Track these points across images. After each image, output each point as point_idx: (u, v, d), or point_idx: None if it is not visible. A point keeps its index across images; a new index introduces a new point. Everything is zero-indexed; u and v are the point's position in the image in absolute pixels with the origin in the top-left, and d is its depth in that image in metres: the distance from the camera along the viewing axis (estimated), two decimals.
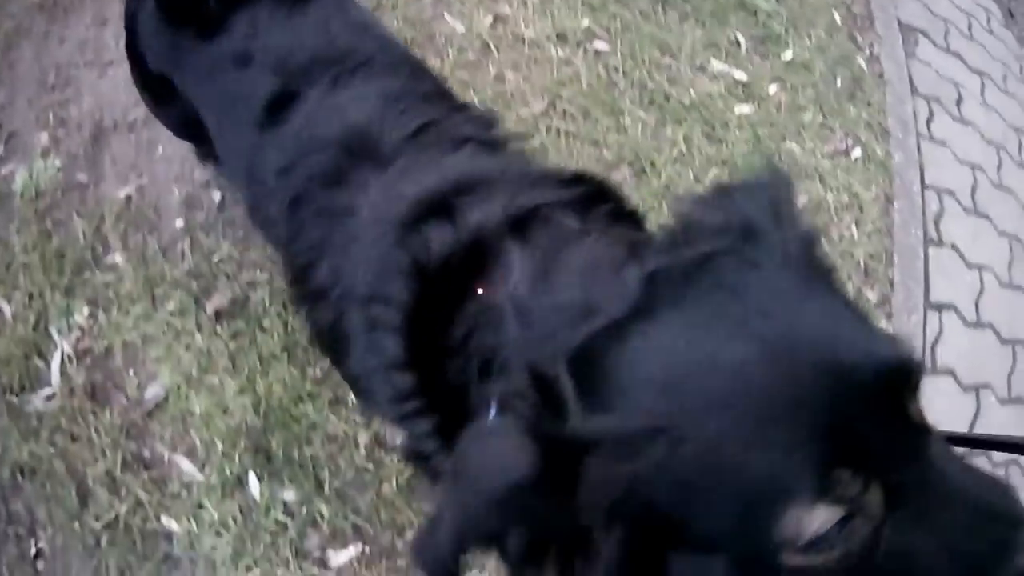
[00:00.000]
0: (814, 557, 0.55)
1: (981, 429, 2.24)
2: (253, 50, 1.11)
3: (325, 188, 0.99)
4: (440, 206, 0.87)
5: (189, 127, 1.41)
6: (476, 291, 0.79)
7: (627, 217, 0.91)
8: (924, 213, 2.23)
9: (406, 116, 1.02)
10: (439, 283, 0.83)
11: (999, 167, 2.46)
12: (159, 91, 1.38)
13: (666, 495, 0.55)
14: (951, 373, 2.21)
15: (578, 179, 0.92)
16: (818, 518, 0.53)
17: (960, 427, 2.25)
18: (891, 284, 2.14)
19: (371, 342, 0.88)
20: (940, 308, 2.21)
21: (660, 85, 2.21)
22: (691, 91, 2.24)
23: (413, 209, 0.88)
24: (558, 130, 2.13)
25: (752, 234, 0.63)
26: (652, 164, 2.13)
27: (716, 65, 2.27)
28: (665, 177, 2.10)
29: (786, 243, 0.63)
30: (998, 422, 2.23)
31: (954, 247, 2.26)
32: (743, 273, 0.60)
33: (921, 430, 0.58)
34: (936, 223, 2.28)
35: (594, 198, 0.89)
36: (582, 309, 0.64)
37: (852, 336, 0.57)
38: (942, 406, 2.14)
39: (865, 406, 0.54)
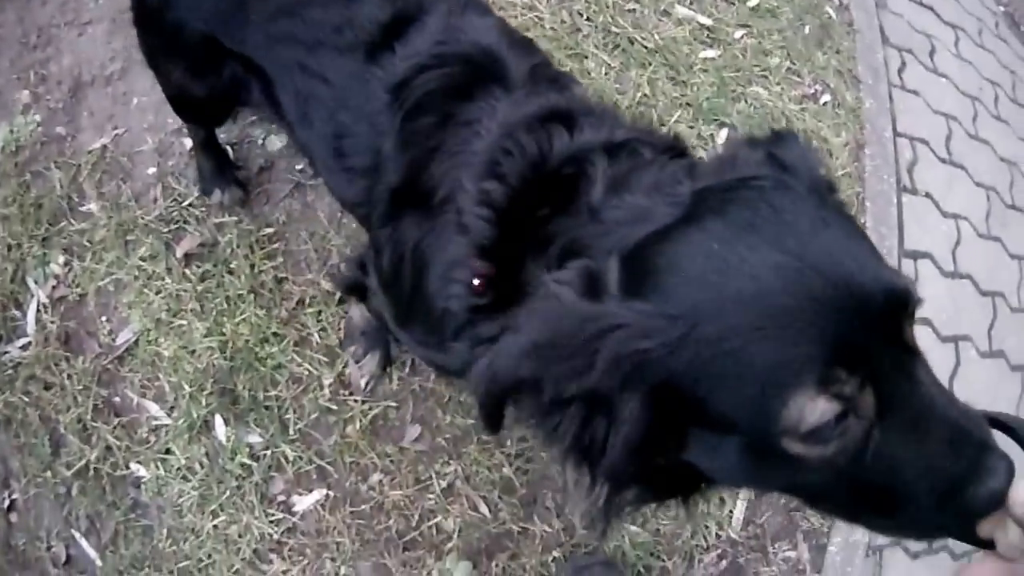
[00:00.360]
0: (812, 448, 0.57)
1: (961, 383, 2.00)
2: None
3: (451, 99, 0.94)
4: (567, 117, 0.87)
5: (220, 98, 1.27)
6: (570, 200, 0.79)
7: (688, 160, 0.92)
8: (897, 161, 1.97)
9: (524, 53, 1.01)
10: (546, 181, 0.82)
11: (975, 118, 2.18)
12: (198, 58, 1.19)
13: (686, 374, 0.58)
14: (928, 323, 1.99)
15: (670, 138, 0.93)
16: (818, 409, 0.55)
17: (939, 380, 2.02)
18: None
19: (463, 227, 0.84)
20: (915, 256, 1.94)
21: (624, 30, 1.98)
22: (656, 35, 2.01)
23: (545, 113, 0.88)
24: None
25: (786, 168, 0.67)
26: (616, 105, 1.83)
27: (681, 10, 2.04)
28: (630, 118, 1.89)
29: (814, 179, 0.67)
30: (979, 377, 1.98)
31: (928, 195, 2.00)
32: (778, 195, 0.63)
33: (914, 351, 0.61)
34: (909, 171, 2.02)
35: (676, 149, 0.88)
36: (640, 214, 0.68)
37: (865, 261, 0.59)
38: None
39: (868, 321, 0.56)
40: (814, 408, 0.55)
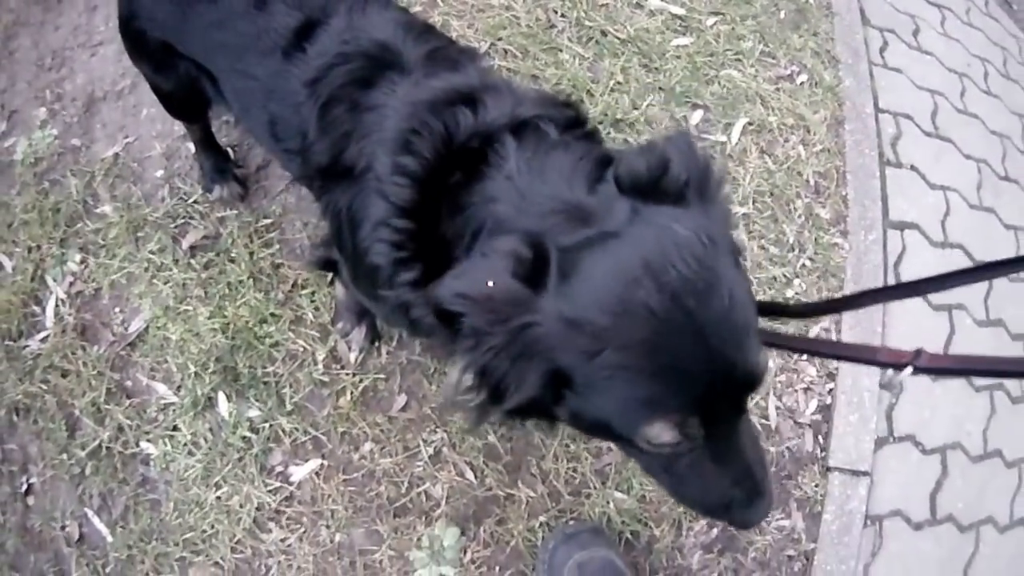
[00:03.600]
0: (653, 448, 0.84)
1: (957, 350, 2.18)
2: None
3: (357, 89, 1.15)
4: (468, 98, 1.04)
5: (184, 90, 1.57)
6: (480, 170, 0.97)
7: (592, 136, 1.10)
8: (880, 135, 2.17)
9: (420, 40, 1.21)
10: (456, 155, 1.00)
11: (963, 93, 2.37)
12: (159, 58, 1.51)
13: (583, 375, 0.79)
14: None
15: (566, 104, 1.11)
16: (668, 435, 0.81)
17: (932, 347, 2.14)
18: (845, 203, 2.10)
19: (383, 193, 1.03)
20: (902, 227, 2.13)
21: (597, 23, 2.24)
22: (628, 27, 2.25)
23: (446, 95, 1.06)
24: (499, 68, 2.19)
25: (703, 194, 0.87)
26: (590, 93, 2.16)
27: (653, 1, 2.27)
28: (603, 104, 2.13)
29: (723, 218, 0.87)
30: (975, 344, 2.15)
31: (913, 168, 2.19)
32: (707, 255, 0.79)
33: (744, 411, 0.85)
34: (893, 145, 2.21)
35: (574, 121, 1.08)
36: (574, 209, 0.86)
37: (740, 342, 0.80)
38: (908, 325, 2.08)
39: (725, 391, 0.80)
40: (666, 434, 0.81)
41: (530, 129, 1.01)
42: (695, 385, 0.77)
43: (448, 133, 1.01)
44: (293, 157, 1.30)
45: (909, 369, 0.96)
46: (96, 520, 1.86)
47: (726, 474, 0.86)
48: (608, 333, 0.76)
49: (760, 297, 1.95)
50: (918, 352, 0.96)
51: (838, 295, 2.06)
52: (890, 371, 1.00)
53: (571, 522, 1.80)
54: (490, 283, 0.80)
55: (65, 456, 1.90)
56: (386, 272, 1.07)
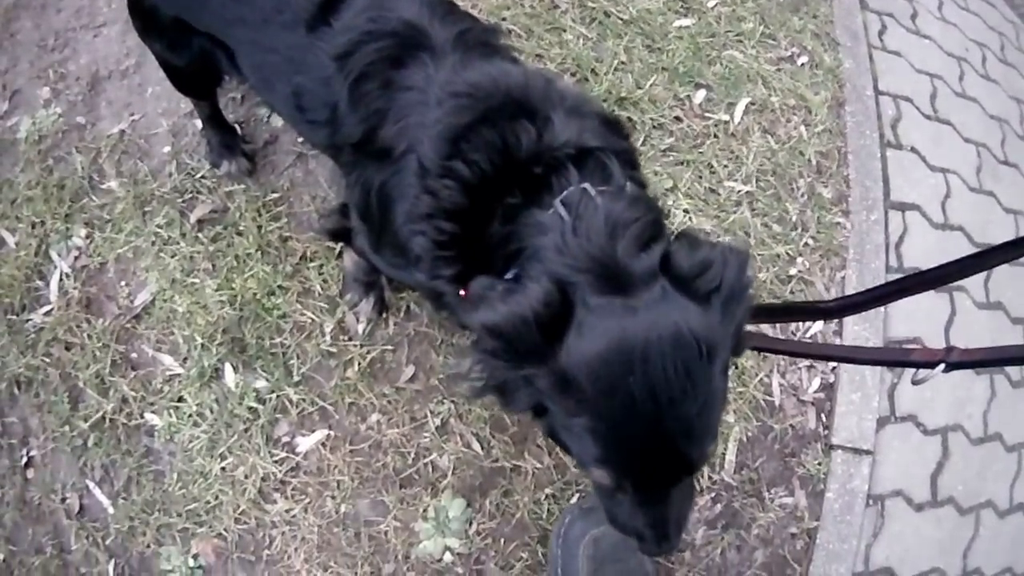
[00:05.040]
0: (598, 481, 1.02)
1: (957, 332, 2.22)
2: None
3: (389, 68, 1.20)
4: (527, 110, 1.09)
5: (196, 66, 1.62)
6: (541, 197, 1.03)
7: (640, 181, 1.18)
8: (880, 117, 2.24)
9: (446, 21, 1.25)
10: (515, 172, 1.05)
11: (961, 77, 2.45)
12: (172, 35, 1.56)
13: (559, 417, 0.95)
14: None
15: (615, 122, 1.20)
16: (608, 481, 0.99)
17: (933, 330, 2.23)
18: (847, 182, 2.17)
19: (430, 190, 1.08)
20: (903, 208, 2.21)
21: (600, 4, 2.32)
22: (630, 8, 2.33)
23: (499, 100, 1.11)
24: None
25: (726, 307, 0.94)
26: (594, 72, 2.22)
27: None
28: (607, 84, 2.20)
29: (733, 333, 0.96)
30: (975, 326, 2.22)
31: (914, 150, 2.26)
32: (695, 364, 0.90)
33: (678, 483, 1.00)
34: (893, 127, 2.28)
35: (629, 157, 1.16)
36: (614, 271, 0.93)
37: (694, 436, 0.93)
38: (909, 308, 2.12)
39: (665, 471, 0.96)
40: (605, 480, 0.99)
41: (593, 161, 1.07)
42: (640, 462, 0.94)
43: (506, 147, 1.06)
44: (319, 128, 1.35)
45: (942, 365, 1.02)
46: (97, 492, 1.90)
47: (645, 517, 1.03)
48: (590, 405, 0.91)
49: (770, 296, 2.03)
50: (950, 349, 1.02)
51: (841, 274, 2.14)
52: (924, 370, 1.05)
53: (588, 497, 1.84)
54: (514, 324, 0.90)
55: (67, 428, 1.94)
56: (425, 263, 1.14)
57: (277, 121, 2.19)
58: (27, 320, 2.06)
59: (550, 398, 0.94)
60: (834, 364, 2.10)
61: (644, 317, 0.90)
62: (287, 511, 1.81)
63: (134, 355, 1.98)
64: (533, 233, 1.02)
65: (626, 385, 0.88)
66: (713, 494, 1.93)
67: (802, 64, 2.39)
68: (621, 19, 2.32)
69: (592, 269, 0.94)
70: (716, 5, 2.42)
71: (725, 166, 2.21)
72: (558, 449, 1.87)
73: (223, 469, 1.84)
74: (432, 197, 1.09)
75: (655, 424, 0.90)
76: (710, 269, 0.94)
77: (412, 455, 1.84)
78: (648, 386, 0.88)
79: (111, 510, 1.87)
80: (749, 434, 1.98)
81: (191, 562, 1.79)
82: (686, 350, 0.89)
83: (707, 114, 2.25)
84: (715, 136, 2.23)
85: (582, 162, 1.06)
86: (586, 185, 1.02)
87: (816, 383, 2.08)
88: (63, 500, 1.91)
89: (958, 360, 1.01)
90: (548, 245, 0.99)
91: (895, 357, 1.26)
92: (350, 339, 1.90)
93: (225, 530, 1.80)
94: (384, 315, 1.93)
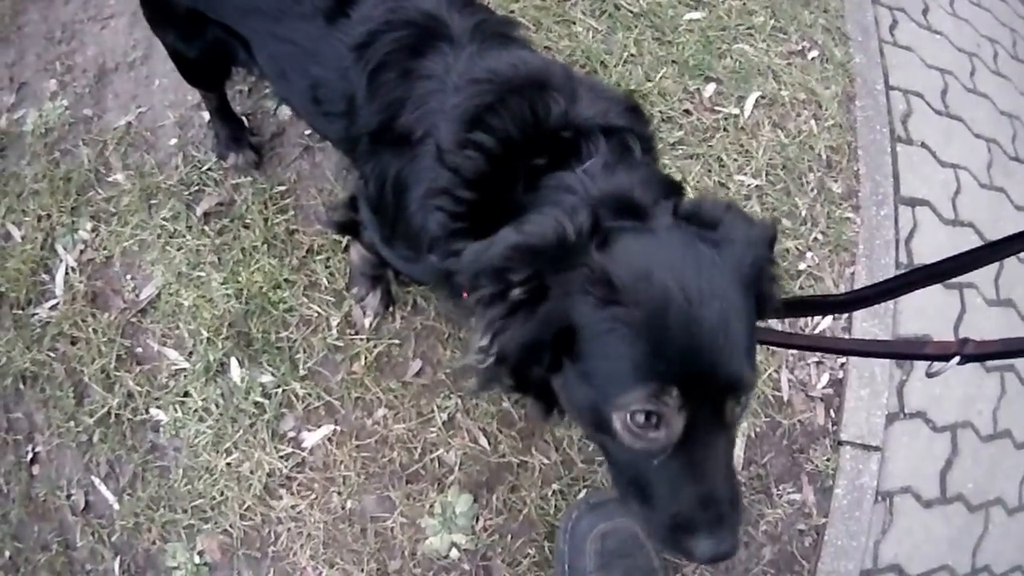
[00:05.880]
0: (624, 433, 0.88)
1: (967, 329, 2.21)
2: None
3: (407, 57, 1.21)
4: (552, 86, 1.11)
5: (208, 57, 1.62)
6: (568, 160, 1.04)
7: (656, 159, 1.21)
8: (890, 112, 2.24)
9: (464, 12, 1.26)
10: (543, 138, 1.07)
11: (972, 73, 2.45)
12: (185, 26, 1.56)
13: (594, 327, 0.87)
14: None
15: (636, 108, 1.19)
16: (647, 404, 0.84)
17: (943, 326, 2.23)
18: (857, 178, 2.16)
19: (449, 164, 1.09)
20: (913, 204, 2.20)
21: None
22: (641, 1, 2.34)
23: (523, 80, 1.12)
24: None
25: (733, 227, 0.94)
26: (603, 64, 2.23)
27: None
28: (616, 75, 2.20)
29: (749, 256, 0.93)
30: (986, 323, 2.21)
31: (924, 145, 2.26)
32: (715, 270, 0.89)
33: (726, 426, 0.89)
34: (904, 122, 2.28)
35: (649, 142, 1.17)
36: (630, 205, 0.96)
37: (737, 350, 0.87)
38: (920, 303, 2.12)
39: (709, 384, 0.85)
40: (643, 399, 0.85)
41: (617, 139, 1.10)
42: (681, 362, 0.84)
43: (535, 114, 1.08)
44: (335, 120, 1.35)
45: (956, 358, 1.00)
46: (103, 488, 1.90)
47: (694, 490, 0.87)
48: (625, 291, 0.86)
49: (796, 292, 2.02)
50: (964, 341, 1.01)
51: (851, 270, 2.13)
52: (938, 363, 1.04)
53: (595, 492, 1.83)
54: (545, 235, 0.89)
55: (72, 424, 1.94)
56: (439, 240, 1.13)
57: (284, 113, 2.19)
58: (33, 315, 2.06)
59: (579, 299, 0.87)
60: (843, 360, 2.09)
61: (665, 236, 0.92)
62: (293, 507, 1.81)
63: (139, 350, 1.98)
64: (557, 192, 1.02)
65: (661, 280, 0.85)
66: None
67: (813, 58, 2.38)
68: (631, 12, 2.32)
69: (613, 203, 0.96)
70: None
71: (735, 160, 2.20)
72: (565, 444, 1.87)
73: (228, 465, 1.84)
74: (452, 173, 1.09)
75: (692, 323, 0.84)
76: (711, 204, 0.97)
77: (419, 450, 1.83)
78: (681, 286, 0.85)
79: (116, 506, 1.87)
80: (757, 430, 1.97)
81: (196, 559, 1.79)
82: (707, 261, 0.89)
83: (717, 107, 2.25)
84: (725, 130, 2.23)
85: (608, 137, 1.08)
86: (608, 159, 1.05)
87: (825, 379, 2.07)
88: (68, 496, 1.91)
89: (973, 353, 0.99)
90: (570, 199, 1.00)
91: (909, 350, 1.25)
92: (356, 333, 1.90)
93: (231, 526, 1.80)
94: (391, 309, 1.93)
